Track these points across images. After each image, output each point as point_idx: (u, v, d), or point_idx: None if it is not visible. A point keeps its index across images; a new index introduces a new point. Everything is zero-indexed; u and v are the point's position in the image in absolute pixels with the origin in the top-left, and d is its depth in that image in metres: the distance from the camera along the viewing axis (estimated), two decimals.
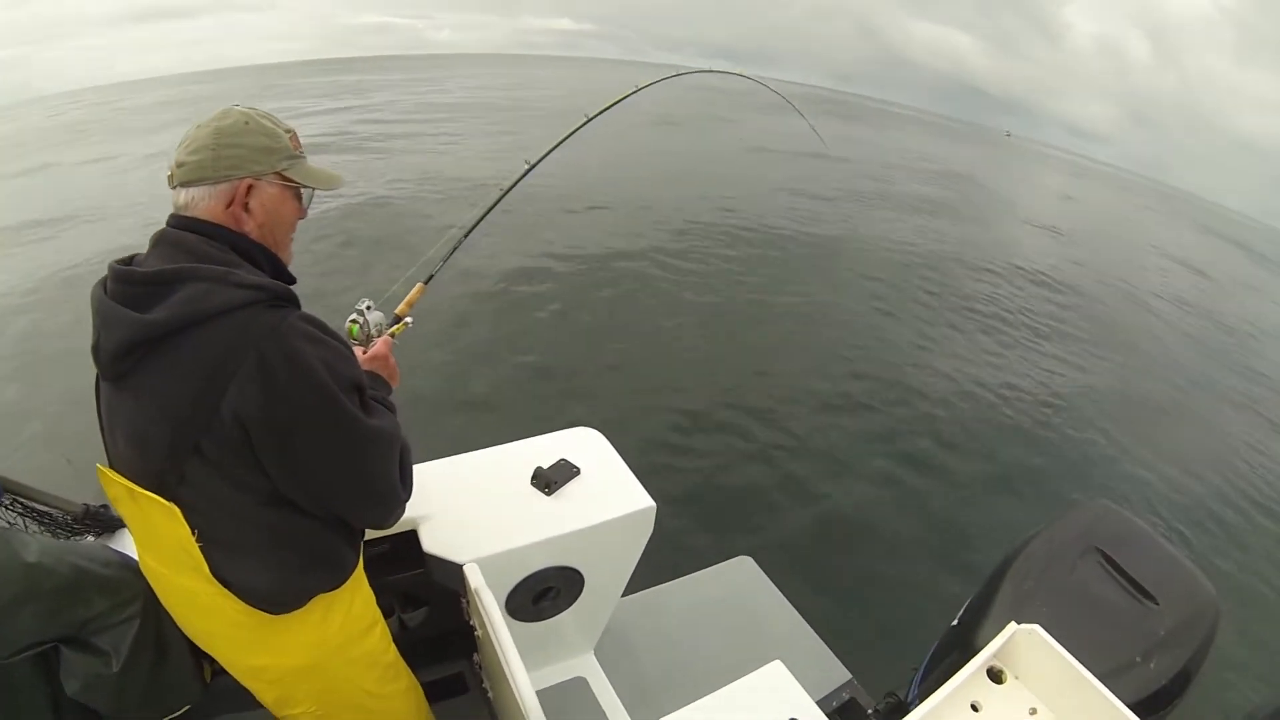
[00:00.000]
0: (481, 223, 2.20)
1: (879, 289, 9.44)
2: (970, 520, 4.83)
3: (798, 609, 2.87)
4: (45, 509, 1.73)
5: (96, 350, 1.15)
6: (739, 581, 3.00)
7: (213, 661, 1.65)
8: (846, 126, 35.75)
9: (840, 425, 5.74)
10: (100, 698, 1.60)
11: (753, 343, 7.09)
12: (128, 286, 1.11)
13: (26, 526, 1.69)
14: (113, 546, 1.71)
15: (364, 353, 1.58)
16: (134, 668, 1.56)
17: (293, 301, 1.17)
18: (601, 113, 2.51)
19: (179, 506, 1.15)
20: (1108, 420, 6.85)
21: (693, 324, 7.35)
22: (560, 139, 2.38)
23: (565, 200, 11.23)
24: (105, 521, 1.85)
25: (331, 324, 1.32)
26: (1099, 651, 1.48)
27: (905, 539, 4.53)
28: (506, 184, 2.24)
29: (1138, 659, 1.67)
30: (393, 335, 1.74)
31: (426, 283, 1.97)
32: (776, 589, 2.96)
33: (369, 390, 1.28)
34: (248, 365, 1.07)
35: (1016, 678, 1.43)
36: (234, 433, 1.10)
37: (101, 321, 1.13)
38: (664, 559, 2.38)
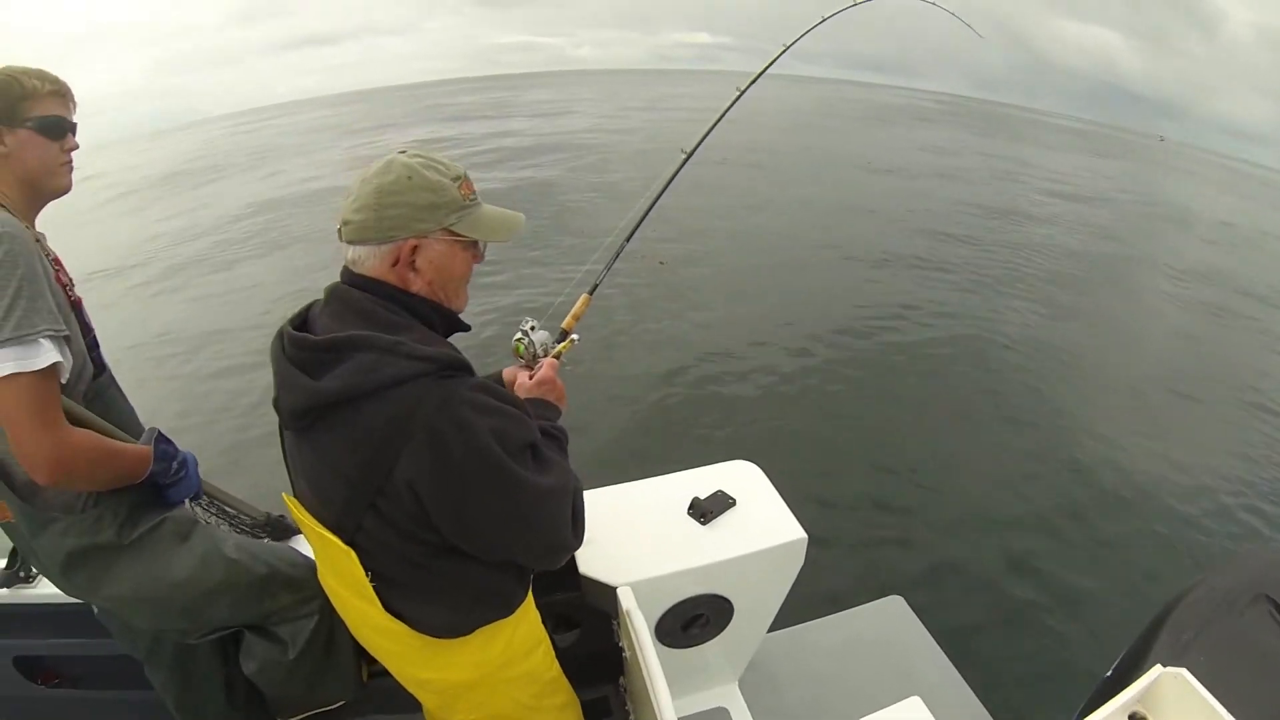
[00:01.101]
0: (643, 223, 2.14)
1: (1039, 327, 8.86)
2: (1136, 568, 4.42)
3: (948, 652, 2.74)
4: (234, 512, 1.88)
5: (277, 405, 1.20)
6: (889, 622, 2.90)
7: (370, 663, 1.83)
8: (984, 140, 34.27)
9: (1001, 472, 5.39)
10: (271, 680, 1.81)
11: (913, 388, 6.75)
12: (302, 352, 1.14)
13: (218, 525, 1.85)
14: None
15: (530, 375, 1.58)
16: (305, 658, 1.76)
17: (464, 369, 1.15)
18: (753, 83, 2.44)
19: (355, 550, 1.19)
20: None
21: (857, 361, 7.10)
22: (713, 122, 2.29)
23: (728, 210, 11.34)
24: (284, 530, 2.00)
25: (496, 345, 1.30)
26: (1256, 707, 1.38)
27: (1065, 584, 4.20)
28: (663, 179, 2.16)
29: None
30: (558, 356, 1.71)
31: (591, 293, 1.93)
32: (927, 631, 2.84)
33: (541, 426, 1.29)
34: (419, 438, 1.07)
35: None
36: (407, 497, 1.11)
37: (280, 381, 1.17)
38: (815, 596, 2.35)
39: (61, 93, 1.47)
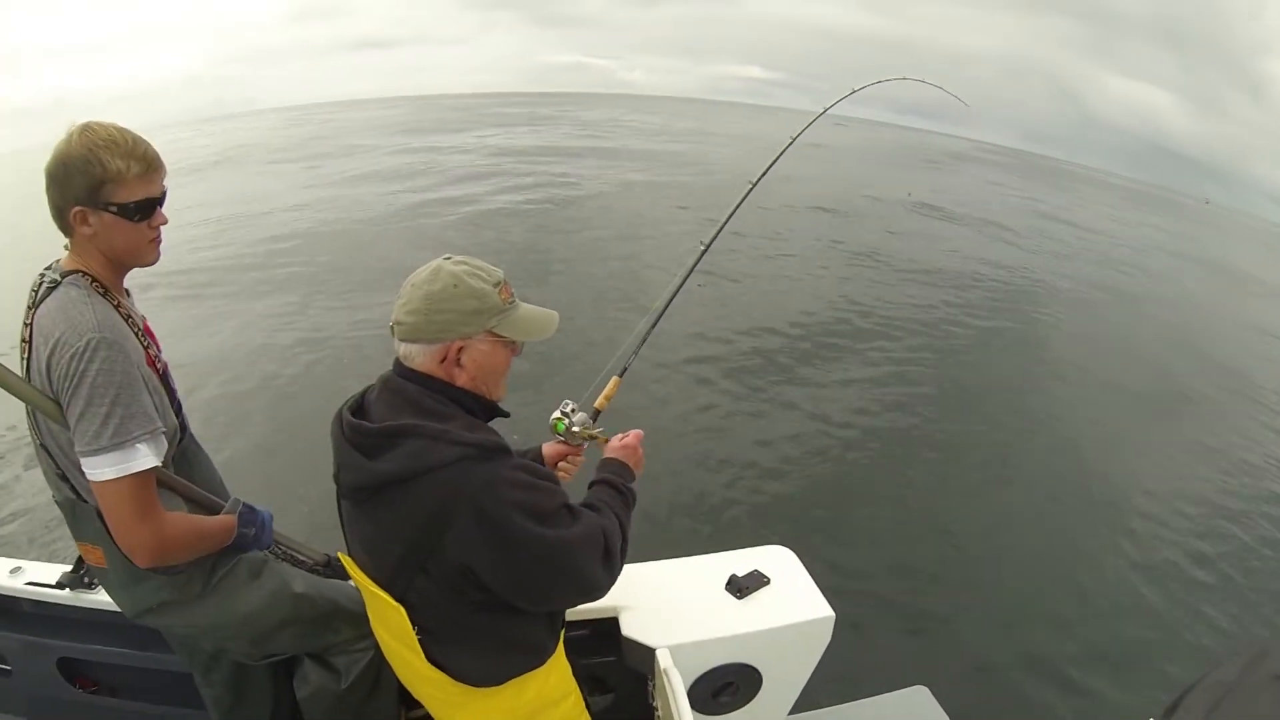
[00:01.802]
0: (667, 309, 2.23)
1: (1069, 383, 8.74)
2: (1167, 660, 4.27)
3: None
4: (298, 555, 1.98)
5: (337, 479, 1.36)
6: (913, 713, 2.88)
7: (409, 708, 1.92)
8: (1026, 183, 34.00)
9: (1036, 564, 5.21)
10: (320, 707, 1.89)
11: (950, 469, 6.52)
12: (360, 437, 1.29)
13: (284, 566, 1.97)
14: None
15: (615, 441, 1.74)
16: (355, 690, 1.85)
17: (503, 451, 1.28)
18: (764, 175, 2.54)
19: (405, 606, 1.31)
20: None
21: (894, 438, 6.93)
22: (728, 214, 2.40)
23: (754, 286, 11.23)
24: (342, 571, 2.07)
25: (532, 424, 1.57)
26: None
27: (1089, 683, 4.04)
28: (685, 268, 2.28)
29: None
30: (590, 438, 1.82)
31: (621, 375, 2.03)
32: None
33: (612, 480, 1.58)
34: (465, 513, 1.21)
35: None
36: (455, 563, 1.25)
37: (339, 460, 1.33)
38: (838, 680, 2.41)
39: (150, 169, 1.44)
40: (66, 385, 1.31)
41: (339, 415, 1.36)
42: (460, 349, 1.32)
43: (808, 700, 2.27)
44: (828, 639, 2.10)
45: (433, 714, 1.59)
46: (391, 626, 1.39)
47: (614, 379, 2.00)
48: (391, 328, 1.34)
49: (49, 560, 2.24)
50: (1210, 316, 14.13)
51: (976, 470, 6.50)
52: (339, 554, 1.48)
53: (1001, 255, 15.72)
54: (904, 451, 6.66)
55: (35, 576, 2.14)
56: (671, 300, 2.21)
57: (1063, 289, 13.57)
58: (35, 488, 4.96)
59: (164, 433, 1.43)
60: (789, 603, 2.09)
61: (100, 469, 1.31)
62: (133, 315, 1.51)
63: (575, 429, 1.77)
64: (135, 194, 1.41)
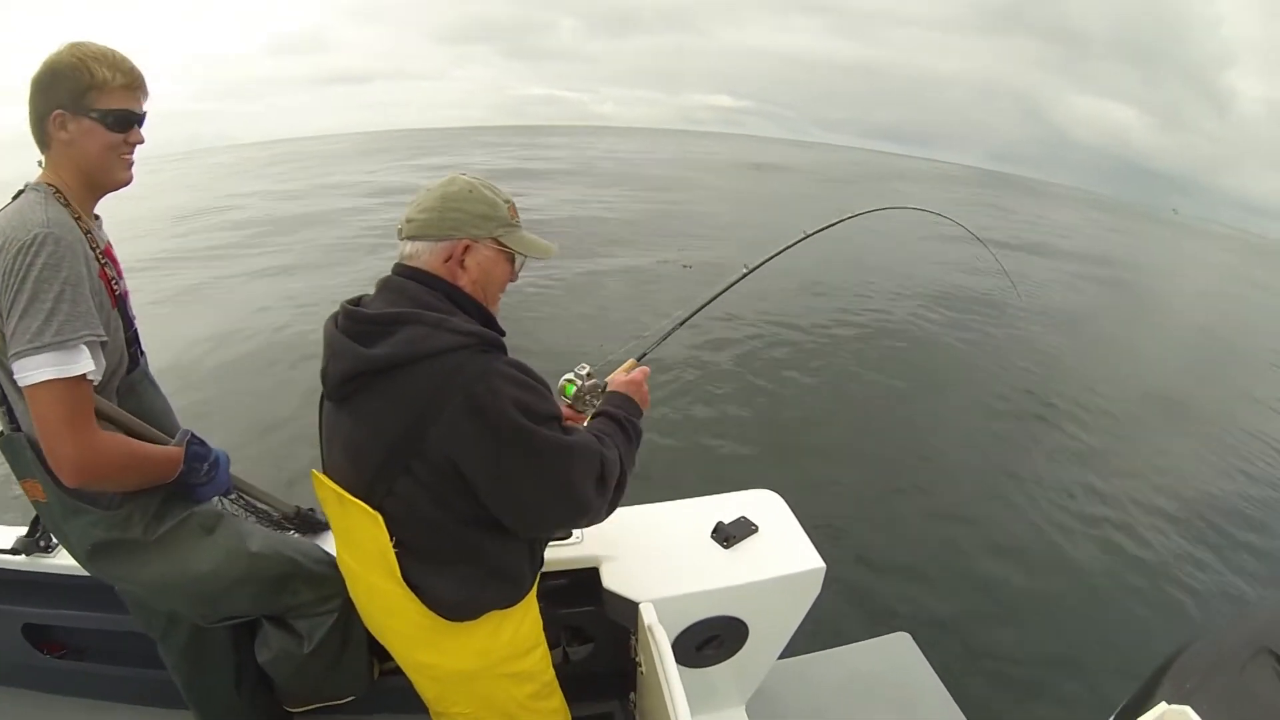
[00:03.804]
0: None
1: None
2: (1149, 618, 4.42)
3: (953, 693, 2.78)
4: (264, 507, 1.95)
5: (324, 374, 1.35)
6: (895, 659, 2.95)
7: (382, 660, 1.89)
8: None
9: (1025, 517, 5.45)
10: (283, 671, 1.85)
11: (936, 425, 6.91)
12: (355, 324, 1.29)
13: (246, 519, 1.88)
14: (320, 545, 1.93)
15: (619, 375, 1.78)
16: (320, 653, 1.79)
17: (500, 347, 1.30)
18: (819, 231, 2.56)
19: (383, 515, 1.29)
20: None
21: (878, 400, 7.37)
22: (777, 251, 2.43)
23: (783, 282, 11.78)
24: (312, 524, 2.06)
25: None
26: None
27: (1074, 633, 4.20)
28: (722, 285, 2.30)
29: None
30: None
31: (639, 359, 2.03)
32: (933, 671, 2.88)
33: (616, 415, 1.55)
34: (456, 403, 1.19)
35: None
36: (441, 461, 1.23)
37: (330, 351, 1.32)
38: (823, 625, 2.40)
39: (133, 85, 1.44)
40: (11, 282, 1.23)
41: (334, 313, 1.36)
42: (466, 248, 1.35)
43: (789, 645, 2.25)
44: (817, 590, 2.06)
45: (398, 658, 1.56)
46: (364, 545, 1.36)
47: (630, 360, 1.97)
48: (399, 229, 1.38)
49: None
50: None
51: (966, 428, 6.86)
52: (313, 471, 1.43)
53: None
54: (895, 407, 7.11)
55: None
56: (703, 308, 2.24)
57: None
58: None
59: (104, 345, 1.35)
60: (778, 553, 2.03)
61: (39, 369, 1.22)
62: (94, 233, 1.45)
63: (585, 394, 1.78)
64: (116, 103, 1.41)
